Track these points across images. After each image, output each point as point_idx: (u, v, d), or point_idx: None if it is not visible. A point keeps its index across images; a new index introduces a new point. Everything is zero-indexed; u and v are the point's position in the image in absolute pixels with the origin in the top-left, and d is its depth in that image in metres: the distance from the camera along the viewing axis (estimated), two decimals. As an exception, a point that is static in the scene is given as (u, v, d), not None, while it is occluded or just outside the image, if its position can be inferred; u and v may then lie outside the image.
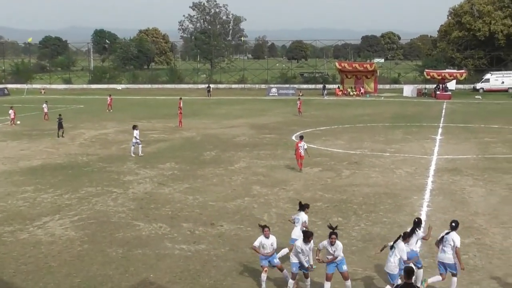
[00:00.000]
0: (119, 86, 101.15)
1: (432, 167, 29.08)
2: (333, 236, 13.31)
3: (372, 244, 17.21)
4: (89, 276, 15.10)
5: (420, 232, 14.37)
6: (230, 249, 17.10)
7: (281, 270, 14.38)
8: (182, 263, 15.96)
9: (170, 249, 17.12)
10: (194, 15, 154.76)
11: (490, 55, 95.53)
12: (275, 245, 14.22)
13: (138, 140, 32.90)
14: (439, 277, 13.92)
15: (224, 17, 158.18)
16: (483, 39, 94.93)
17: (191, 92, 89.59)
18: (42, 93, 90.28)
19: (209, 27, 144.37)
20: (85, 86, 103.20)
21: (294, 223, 15.68)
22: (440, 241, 13.87)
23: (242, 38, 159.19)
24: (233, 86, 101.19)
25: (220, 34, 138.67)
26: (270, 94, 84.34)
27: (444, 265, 13.79)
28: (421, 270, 14.19)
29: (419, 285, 13.23)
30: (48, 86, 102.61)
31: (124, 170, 28.78)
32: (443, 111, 58.66)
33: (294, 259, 13.72)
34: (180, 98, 55.41)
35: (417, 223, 14.27)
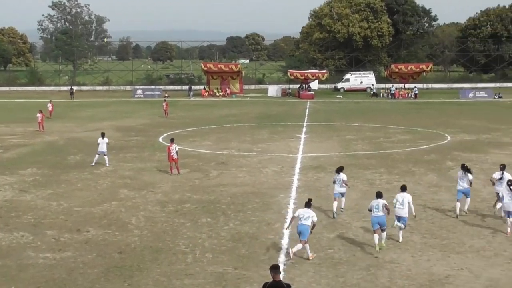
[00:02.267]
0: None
1: (298, 165, 29.86)
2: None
3: (241, 243, 17.42)
4: None
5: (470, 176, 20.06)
6: (97, 255, 16.63)
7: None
8: (47, 272, 15.31)
9: (33, 258, 16.37)
10: (54, 15, 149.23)
11: (349, 56, 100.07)
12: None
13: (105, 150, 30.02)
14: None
15: (86, 17, 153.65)
16: (342, 41, 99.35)
17: (53, 94, 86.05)
18: None
19: (71, 27, 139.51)
20: None
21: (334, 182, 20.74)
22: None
23: (105, 39, 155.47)
24: (98, 88, 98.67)
25: (82, 35, 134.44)
26: (135, 96, 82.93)
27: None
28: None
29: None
30: None
31: (-19, 178, 27.16)
32: (307, 110, 60.49)
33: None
34: (50, 100, 54.22)
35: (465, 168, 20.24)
